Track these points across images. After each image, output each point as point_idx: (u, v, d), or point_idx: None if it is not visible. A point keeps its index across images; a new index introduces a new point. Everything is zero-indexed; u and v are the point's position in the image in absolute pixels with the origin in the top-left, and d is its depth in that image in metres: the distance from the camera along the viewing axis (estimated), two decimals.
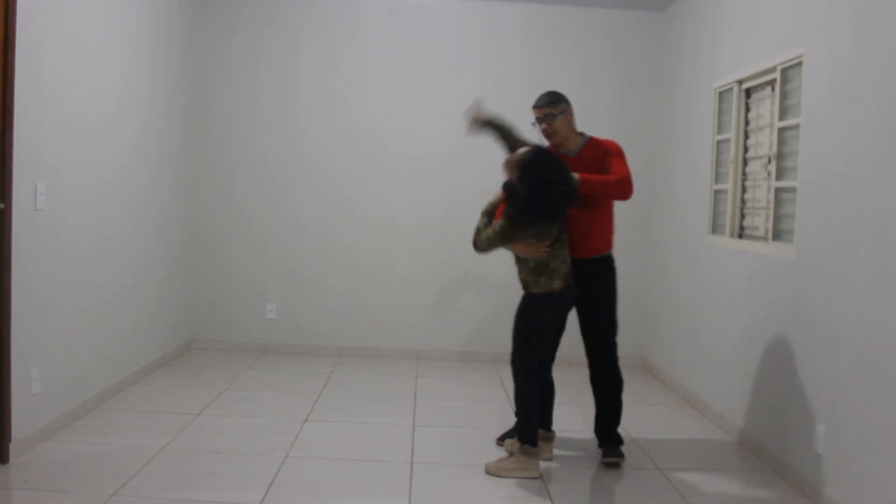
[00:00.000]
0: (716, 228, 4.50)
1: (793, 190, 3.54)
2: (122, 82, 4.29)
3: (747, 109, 4.19)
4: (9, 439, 3.19)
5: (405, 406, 4.40)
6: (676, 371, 4.96)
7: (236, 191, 5.61)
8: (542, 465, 3.50)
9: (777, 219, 3.71)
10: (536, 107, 3.57)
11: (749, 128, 4.16)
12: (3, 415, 3.15)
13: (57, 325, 3.62)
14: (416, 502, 3.04)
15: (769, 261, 3.70)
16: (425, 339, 5.70)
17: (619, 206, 3.66)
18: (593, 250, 3.53)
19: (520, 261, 3.39)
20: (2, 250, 3.10)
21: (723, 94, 4.45)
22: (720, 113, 4.48)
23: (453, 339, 5.70)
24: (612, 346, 3.59)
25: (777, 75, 3.73)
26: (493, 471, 3.36)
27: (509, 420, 4.17)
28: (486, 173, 5.60)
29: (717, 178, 4.50)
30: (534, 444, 3.35)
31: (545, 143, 3.57)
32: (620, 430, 3.68)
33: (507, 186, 3.28)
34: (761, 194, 3.96)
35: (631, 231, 5.47)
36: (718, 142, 4.48)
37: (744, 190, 4.19)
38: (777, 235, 3.70)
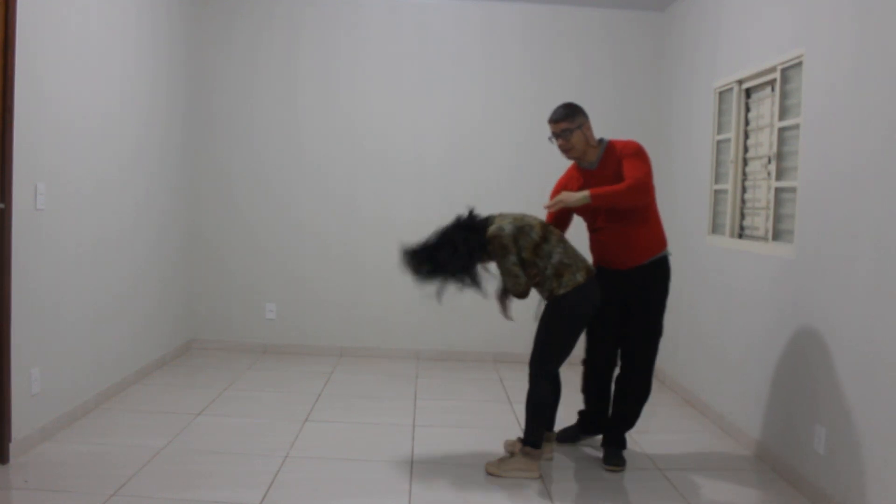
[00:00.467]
0: (716, 228, 4.50)
1: (793, 190, 3.54)
2: (123, 82, 4.29)
3: (747, 109, 4.19)
4: (9, 439, 3.19)
5: (405, 406, 4.40)
6: (676, 371, 4.96)
7: (236, 190, 5.61)
8: (543, 465, 3.50)
9: (777, 219, 3.71)
10: (552, 121, 3.42)
11: (749, 128, 4.16)
12: (3, 415, 3.15)
13: (57, 325, 3.62)
14: (416, 502, 3.04)
15: (769, 261, 3.70)
16: (425, 339, 5.70)
17: None
18: (638, 258, 3.42)
19: (538, 282, 3.32)
20: (2, 250, 3.10)
21: (723, 94, 4.45)
22: (720, 113, 4.48)
23: (453, 339, 5.70)
24: (651, 355, 3.51)
25: (777, 75, 3.73)
26: (493, 471, 3.36)
27: (509, 420, 4.17)
28: (485, 172, 5.62)
29: (717, 178, 4.50)
30: (538, 446, 3.35)
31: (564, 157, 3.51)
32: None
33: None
34: (761, 194, 3.96)
35: None
36: (718, 142, 4.48)
37: (744, 190, 4.19)
38: (777, 235, 3.70)
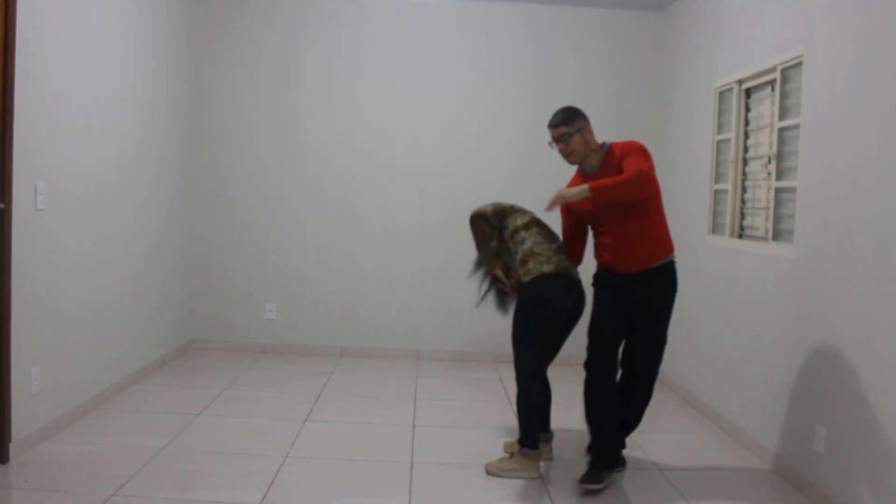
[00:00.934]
0: (716, 228, 4.50)
1: (793, 190, 3.54)
2: (123, 82, 4.29)
3: (747, 109, 4.19)
4: (9, 439, 3.19)
5: (405, 406, 4.40)
6: (676, 371, 4.96)
7: (237, 190, 5.61)
8: (542, 465, 3.50)
9: (777, 219, 3.71)
10: (551, 126, 3.34)
11: (749, 128, 4.16)
12: (3, 415, 3.15)
13: (57, 325, 3.62)
14: (416, 502, 3.04)
15: (769, 261, 3.70)
16: (425, 339, 5.70)
17: None
18: (644, 261, 3.26)
19: (512, 266, 3.45)
20: (2, 250, 3.10)
21: (723, 94, 4.45)
22: (720, 113, 4.48)
23: (453, 339, 5.70)
24: (656, 365, 3.40)
25: (777, 75, 3.73)
26: (493, 471, 3.36)
27: (509, 420, 4.18)
28: (485, 172, 5.62)
29: (717, 178, 4.50)
30: (535, 446, 3.35)
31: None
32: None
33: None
34: (761, 194, 3.96)
35: None
36: (718, 142, 4.48)
37: (744, 190, 4.19)
38: (777, 235, 3.70)
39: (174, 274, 5.25)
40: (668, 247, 3.33)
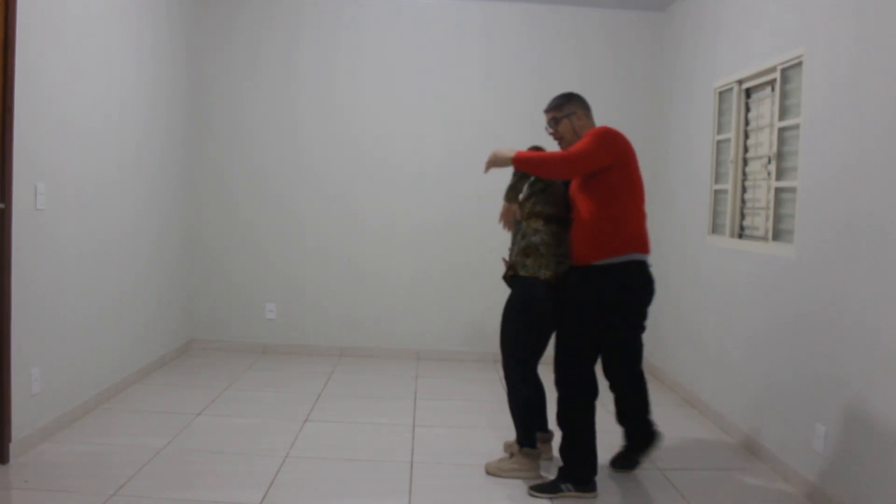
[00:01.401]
0: (716, 228, 4.50)
1: (793, 190, 3.54)
2: (123, 82, 4.29)
3: (747, 109, 4.19)
4: (9, 439, 3.19)
5: (405, 406, 4.40)
6: (676, 371, 4.96)
7: (236, 190, 5.61)
8: (543, 464, 3.50)
9: (777, 219, 3.71)
10: (545, 111, 3.39)
11: (749, 128, 4.16)
12: (3, 415, 3.15)
13: (57, 325, 3.62)
14: (416, 502, 3.04)
15: (769, 261, 3.70)
16: (425, 339, 5.69)
17: None
18: (589, 254, 3.12)
19: (513, 241, 3.38)
20: (2, 250, 3.10)
21: (723, 94, 4.45)
22: (720, 113, 4.48)
23: (453, 339, 5.70)
24: (625, 368, 3.38)
25: (777, 75, 3.73)
26: (493, 471, 3.36)
27: (509, 420, 4.17)
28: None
29: (717, 178, 4.50)
30: (533, 446, 3.35)
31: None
32: (621, 433, 3.59)
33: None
34: (761, 194, 3.96)
35: None
36: (718, 142, 4.48)
37: (744, 190, 4.19)
38: (777, 235, 3.70)
39: (174, 274, 5.25)
40: (623, 245, 3.08)
